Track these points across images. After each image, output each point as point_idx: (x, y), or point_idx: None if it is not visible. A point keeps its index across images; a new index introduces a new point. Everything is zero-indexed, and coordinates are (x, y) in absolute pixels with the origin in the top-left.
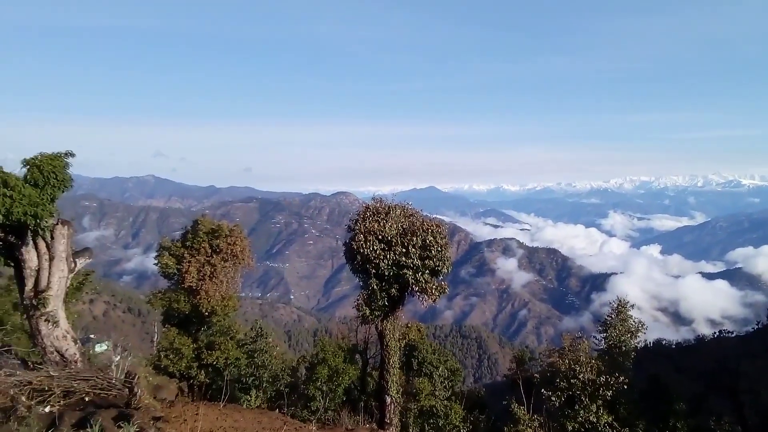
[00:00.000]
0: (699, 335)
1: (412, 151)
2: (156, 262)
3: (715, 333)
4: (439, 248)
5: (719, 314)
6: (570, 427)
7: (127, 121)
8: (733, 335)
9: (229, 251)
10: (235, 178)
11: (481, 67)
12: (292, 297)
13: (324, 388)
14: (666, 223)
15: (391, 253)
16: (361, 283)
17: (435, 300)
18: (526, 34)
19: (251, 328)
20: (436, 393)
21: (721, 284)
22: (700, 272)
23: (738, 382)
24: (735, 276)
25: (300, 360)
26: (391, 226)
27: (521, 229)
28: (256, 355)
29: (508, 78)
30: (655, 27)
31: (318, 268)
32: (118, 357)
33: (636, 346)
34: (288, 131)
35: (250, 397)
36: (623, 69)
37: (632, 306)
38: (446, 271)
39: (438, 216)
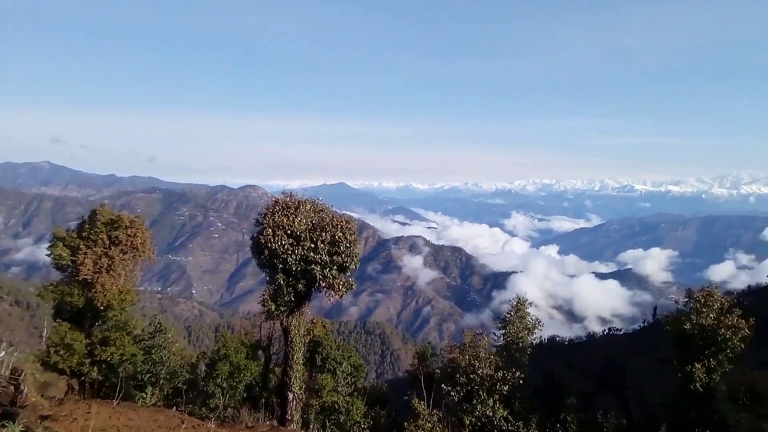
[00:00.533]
0: (590, 332)
1: (323, 146)
2: (48, 252)
3: (605, 330)
4: (347, 244)
5: (609, 313)
6: (467, 422)
7: (22, 105)
8: (621, 333)
9: (128, 243)
10: (138, 167)
11: (394, 65)
12: (194, 292)
13: (224, 385)
14: (564, 224)
15: (299, 248)
16: (267, 278)
17: (341, 296)
18: (440, 35)
19: (149, 323)
20: (339, 389)
21: (613, 284)
22: (594, 272)
23: (625, 379)
24: (625, 276)
25: (200, 356)
26: (300, 221)
27: (428, 228)
28: (153, 351)
29: (420, 78)
30: (560, 36)
31: (222, 263)
32: (3, 353)
33: (532, 343)
34: (196, 121)
35: (146, 394)
36: (528, 75)
37: (530, 304)
38: (354, 267)
39: (347, 212)
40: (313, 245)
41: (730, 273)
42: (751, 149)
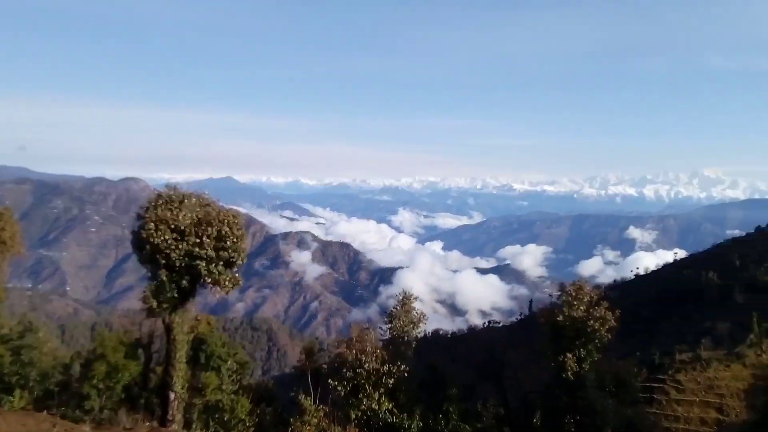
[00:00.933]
0: (472, 326)
1: (209, 139)
2: None
3: (485, 323)
4: (234, 239)
5: (489, 306)
6: (353, 416)
7: None
8: (500, 325)
9: None
10: (6, 156)
11: (279, 58)
12: (68, 288)
13: (101, 386)
14: (448, 221)
15: (183, 243)
16: (149, 274)
17: (228, 292)
18: (326, 30)
19: (18, 322)
20: (224, 387)
21: (492, 279)
22: (475, 267)
23: (503, 370)
24: (504, 271)
25: (74, 356)
26: (185, 215)
27: (317, 223)
28: (22, 351)
29: (307, 73)
30: (444, 38)
31: (100, 258)
32: None
33: (417, 337)
34: (71, 108)
35: (14, 398)
36: (414, 74)
37: (416, 298)
38: (241, 262)
39: (234, 207)
40: (198, 240)
41: (598, 268)
42: (617, 153)
